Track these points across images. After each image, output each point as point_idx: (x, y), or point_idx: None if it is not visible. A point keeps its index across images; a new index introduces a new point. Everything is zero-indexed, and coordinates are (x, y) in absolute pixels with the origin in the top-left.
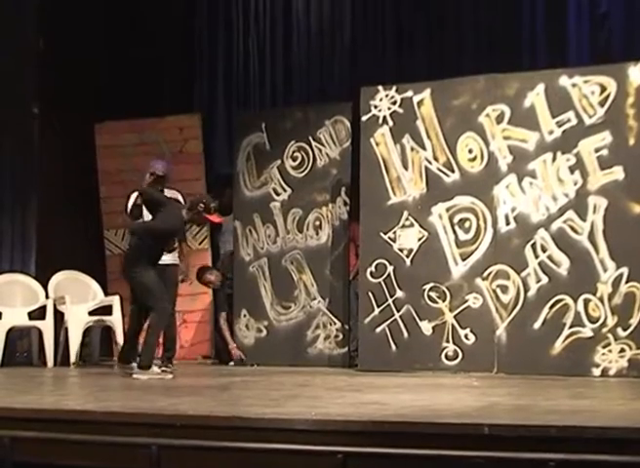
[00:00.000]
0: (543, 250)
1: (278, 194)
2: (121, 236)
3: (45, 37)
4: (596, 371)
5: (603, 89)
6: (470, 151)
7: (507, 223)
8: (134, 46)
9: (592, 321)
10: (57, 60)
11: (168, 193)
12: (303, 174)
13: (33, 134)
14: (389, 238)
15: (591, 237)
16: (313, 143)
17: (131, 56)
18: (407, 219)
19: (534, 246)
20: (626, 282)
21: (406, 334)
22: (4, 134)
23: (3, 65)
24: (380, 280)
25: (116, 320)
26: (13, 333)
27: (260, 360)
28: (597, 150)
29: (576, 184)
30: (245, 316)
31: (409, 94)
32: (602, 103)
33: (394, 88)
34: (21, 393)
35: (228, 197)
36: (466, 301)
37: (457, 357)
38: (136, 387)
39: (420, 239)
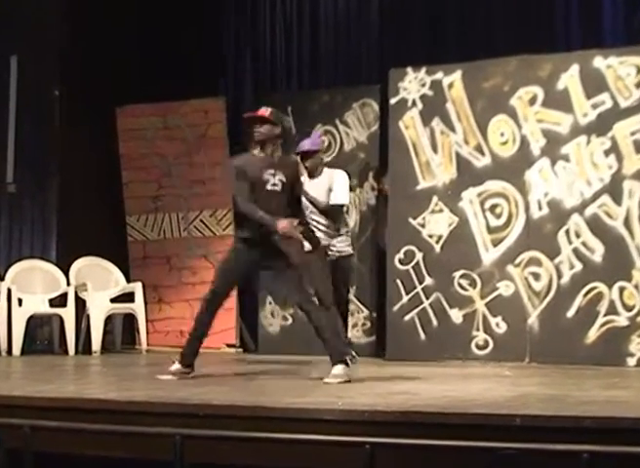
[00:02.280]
0: (577, 236)
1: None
2: (144, 222)
3: (69, 18)
4: (631, 361)
5: (639, 70)
6: (502, 135)
7: (540, 209)
8: (159, 28)
9: (627, 309)
10: (79, 42)
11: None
12: (331, 158)
13: (54, 117)
14: (419, 224)
15: (627, 223)
16: (340, 127)
17: (156, 38)
18: (436, 205)
19: (567, 232)
20: None
21: (435, 323)
22: (25, 117)
23: (25, 47)
24: (409, 267)
25: (139, 307)
26: (33, 321)
27: (286, 349)
28: (633, 133)
29: (610, 168)
30: (270, 303)
31: (439, 76)
32: (638, 85)
33: (424, 69)
34: (42, 382)
35: None
36: (497, 289)
37: (487, 346)
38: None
39: (449, 225)
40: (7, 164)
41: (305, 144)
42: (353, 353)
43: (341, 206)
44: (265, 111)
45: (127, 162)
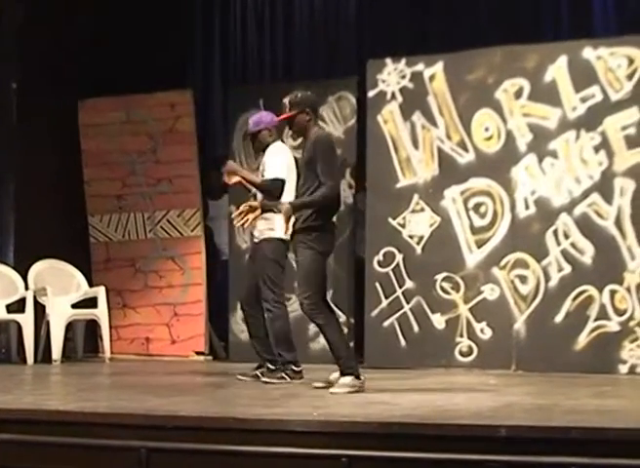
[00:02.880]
0: (566, 236)
1: None
2: (107, 222)
3: (25, 3)
4: (623, 369)
5: (630, 61)
6: (486, 129)
7: (527, 208)
8: (123, 17)
9: (619, 313)
10: (37, 31)
11: None
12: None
13: (11, 111)
14: (398, 224)
15: (618, 222)
16: None
17: (119, 27)
18: (417, 204)
19: (555, 232)
20: None
21: (416, 328)
22: None
23: None
24: (389, 269)
25: (102, 313)
26: None
27: (257, 357)
28: (624, 128)
29: (601, 165)
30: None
31: (419, 67)
32: (629, 77)
33: (403, 60)
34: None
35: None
36: (482, 293)
37: (471, 353)
38: (122, 386)
39: (431, 225)
40: None
41: (249, 125)
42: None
43: (275, 180)
44: (286, 106)
45: (89, 159)
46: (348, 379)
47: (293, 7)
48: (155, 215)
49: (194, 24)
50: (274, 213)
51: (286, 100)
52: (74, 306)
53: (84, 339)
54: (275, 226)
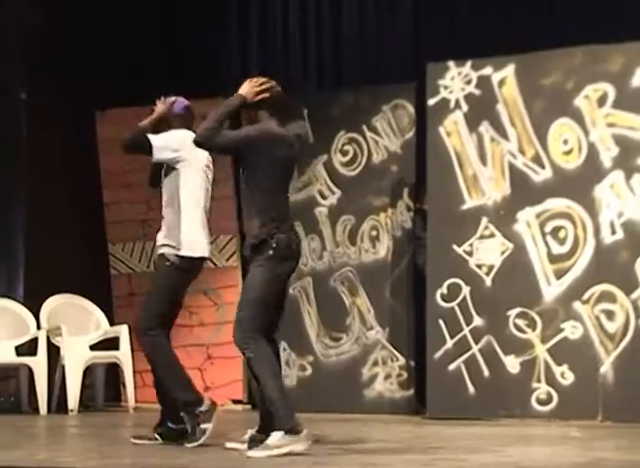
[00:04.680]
0: None
1: (325, 197)
2: (129, 251)
3: (37, 7)
4: None
5: None
6: (565, 142)
7: (613, 232)
8: (148, 17)
9: None
10: (49, 34)
11: None
12: (356, 172)
13: (20, 125)
14: (465, 252)
15: None
16: (368, 134)
17: (143, 28)
18: (486, 228)
19: None
20: None
21: (487, 373)
22: None
23: None
24: (454, 304)
25: (124, 355)
26: None
27: (304, 405)
28: None
29: None
30: (285, 350)
31: (487, 71)
32: None
33: (469, 63)
34: (7, 447)
35: None
36: (562, 331)
37: (551, 401)
38: None
39: (502, 252)
40: None
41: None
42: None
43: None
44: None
45: (109, 178)
46: (276, 437)
47: (341, 3)
48: None
49: (229, 25)
50: None
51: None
52: (93, 348)
53: (104, 386)
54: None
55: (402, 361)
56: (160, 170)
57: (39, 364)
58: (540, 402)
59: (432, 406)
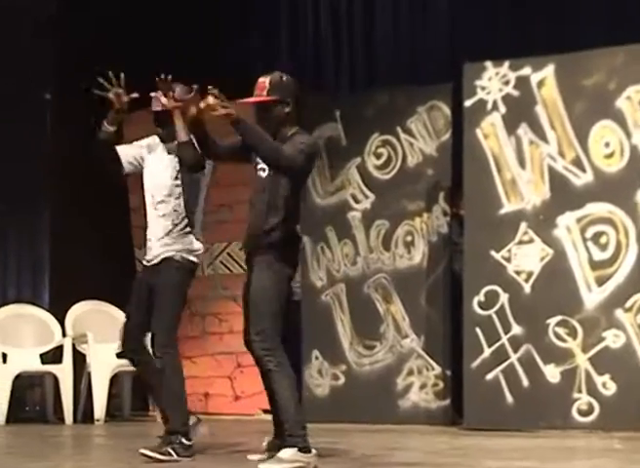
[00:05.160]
0: None
1: (358, 202)
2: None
3: (61, 3)
4: None
5: None
6: (607, 145)
7: None
8: (172, 15)
9: None
10: (74, 32)
11: None
12: (390, 175)
13: (44, 127)
14: (503, 258)
15: None
16: (402, 136)
17: (169, 27)
18: (525, 233)
19: None
20: None
21: (526, 383)
22: (8, 125)
23: (7, 39)
24: (492, 312)
25: None
26: (21, 381)
27: (337, 416)
28: None
29: None
30: (317, 358)
31: (526, 71)
32: None
33: (507, 63)
34: (33, 458)
35: None
36: (604, 340)
37: (592, 411)
38: None
39: (542, 258)
40: None
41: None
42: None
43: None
44: (263, 86)
45: (135, 182)
46: (289, 452)
47: (373, 3)
48: (214, 248)
49: (258, 23)
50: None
51: (265, 79)
52: (119, 356)
53: (131, 395)
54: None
55: (438, 370)
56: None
57: (65, 372)
58: (582, 413)
59: (469, 416)
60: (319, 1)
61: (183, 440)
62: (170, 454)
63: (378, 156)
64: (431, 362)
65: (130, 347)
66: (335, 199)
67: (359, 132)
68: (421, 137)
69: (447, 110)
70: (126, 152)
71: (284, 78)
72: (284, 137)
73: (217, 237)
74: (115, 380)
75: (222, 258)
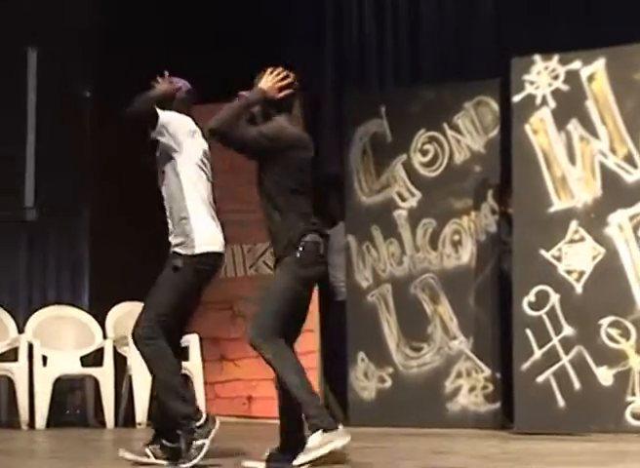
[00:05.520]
0: None
1: (404, 200)
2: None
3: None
4: None
5: None
6: None
7: None
8: (213, 11)
9: None
10: (114, 30)
11: None
12: (437, 172)
13: (84, 124)
14: (553, 257)
15: None
16: (449, 132)
17: (210, 24)
18: (576, 232)
19: None
20: None
21: (577, 385)
22: (47, 124)
23: (47, 37)
24: (542, 313)
25: (194, 367)
26: (61, 385)
27: (384, 419)
28: None
29: None
30: (363, 360)
31: (576, 65)
32: None
33: (556, 58)
34: (75, 461)
35: (338, 203)
36: None
37: None
38: (221, 454)
39: (594, 258)
40: (25, 184)
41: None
42: None
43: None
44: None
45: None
46: (315, 439)
47: None
48: (257, 248)
49: (301, 17)
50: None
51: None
52: None
53: None
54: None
55: (487, 372)
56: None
57: (105, 375)
58: (635, 416)
59: (520, 420)
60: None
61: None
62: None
63: (424, 153)
64: (480, 364)
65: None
66: (380, 197)
67: (405, 128)
68: (469, 134)
69: (495, 106)
70: None
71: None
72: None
73: (259, 237)
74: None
75: (266, 258)
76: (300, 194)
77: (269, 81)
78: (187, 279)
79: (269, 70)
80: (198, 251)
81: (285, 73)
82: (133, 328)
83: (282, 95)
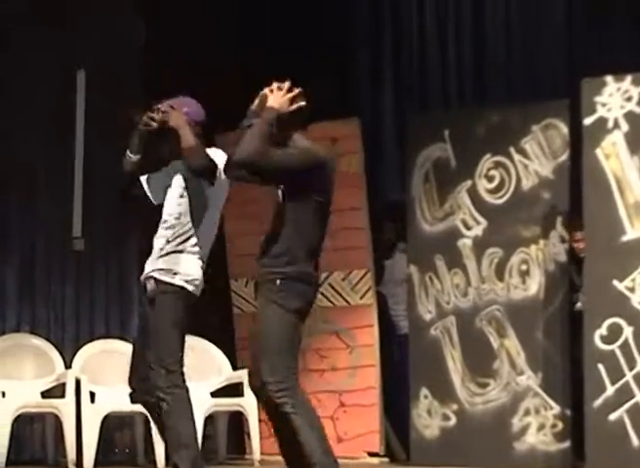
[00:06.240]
0: None
1: (469, 228)
2: (253, 288)
3: (152, 21)
4: None
5: None
6: None
7: None
8: (266, 30)
9: None
10: (166, 51)
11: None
12: (504, 199)
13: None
14: (626, 288)
15: None
16: (516, 157)
17: (263, 42)
18: None
19: None
20: None
21: None
22: (97, 149)
23: (96, 59)
24: (615, 347)
25: (249, 403)
26: (110, 422)
27: (448, 459)
28: None
29: None
30: (426, 397)
31: None
32: None
33: (629, 78)
34: None
35: (399, 232)
36: None
37: None
38: None
39: None
40: (73, 212)
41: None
42: None
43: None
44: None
45: (230, 208)
46: None
47: (483, 13)
48: None
49: (360, 39)
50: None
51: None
52: (214, 394)
53: (227, 436)
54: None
55: (557, 409)
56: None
57: None
58: None
59: (591, 460)
60: (424, 12)
61: None
62: None
63: (490, 179)
64: (549, 401)
65: (140, 388)
66: (443, 225)
67: (469, 152)
68: (537, 158)
69: (564, 129)
70: None
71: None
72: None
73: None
74: (209, 421)
75: (323, 289)
76: (315, 225)
77: (279, 97)
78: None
79: (276, 86)
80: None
81: (289, 86)
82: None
83: (294, 107)
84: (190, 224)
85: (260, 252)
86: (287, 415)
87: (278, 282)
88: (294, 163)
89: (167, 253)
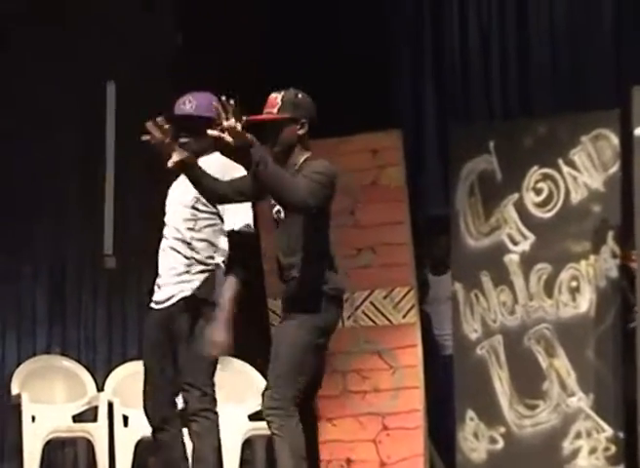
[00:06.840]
0: None
1: (516, 243)
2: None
3: (182, 32)
4: None
5: None
6: None
7: None
8: (305, 39)
9: None
10: (197, 62)
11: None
12: (552, 213)
13: (165, 164)
14: None
15: None
16: (565, 169)
17: (301, 53)
18: None
19: None
20: None
21: None
22: (127, 164)
23: (126, 71)
24: None
25: None
26: (144, 446)
27: None
28: None
29: None
30: (472, 419)
31: None
32: None
33: None
34: None
35: (444, 248)
36: None
37: None
38: None
39: None
40: (104, 229)
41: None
42: None
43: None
44: (275, 103)
45: (267, 222)
46: None
47: (527, 22)
48: (355, 297)
49: (401, 46)
50: None
51: (278, 95)
52: (252, 418)
53: (266, 461)
54: None
55: (609, 432)
56: None
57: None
58: None
59: None
60: (467, 21)
61: None
62: None
63: (537, 192)
64: (602, 423)
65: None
66: (489, 241)
67: (516, 165)
68: (586, 170)
69: (615, 139)
70: None
71: (299, 95)
72: (293, 164)
73: (358, 284)
74: (247, 446)
75: (365, 308)
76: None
77: (230, 133)
78: None
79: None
80: None
81: (223, 109)
82: None
83: (246, 136)
84: None
85: (279, 268)
86: (272, 435)
87: (305, 299)
88: (329, 191)
89: None
